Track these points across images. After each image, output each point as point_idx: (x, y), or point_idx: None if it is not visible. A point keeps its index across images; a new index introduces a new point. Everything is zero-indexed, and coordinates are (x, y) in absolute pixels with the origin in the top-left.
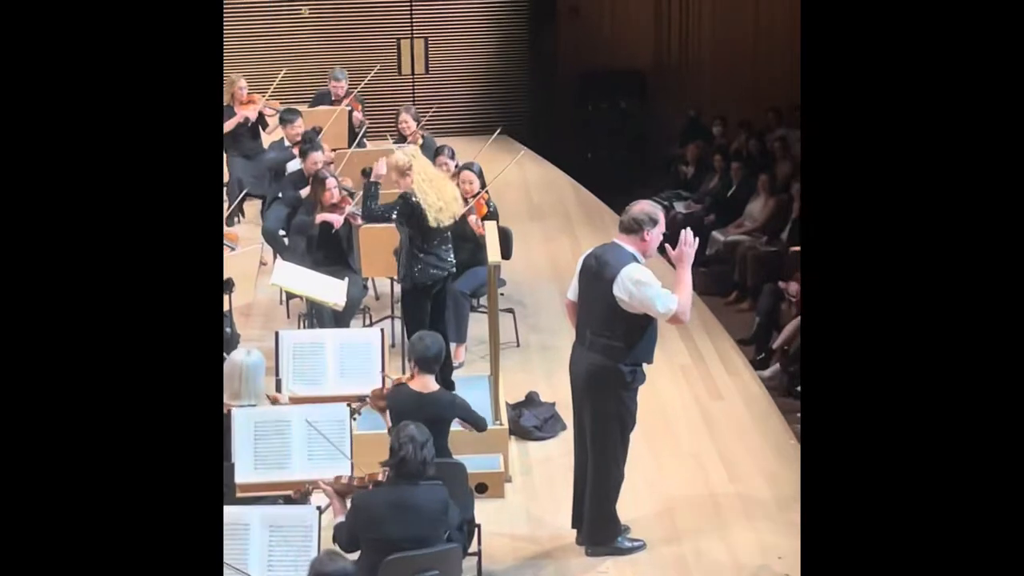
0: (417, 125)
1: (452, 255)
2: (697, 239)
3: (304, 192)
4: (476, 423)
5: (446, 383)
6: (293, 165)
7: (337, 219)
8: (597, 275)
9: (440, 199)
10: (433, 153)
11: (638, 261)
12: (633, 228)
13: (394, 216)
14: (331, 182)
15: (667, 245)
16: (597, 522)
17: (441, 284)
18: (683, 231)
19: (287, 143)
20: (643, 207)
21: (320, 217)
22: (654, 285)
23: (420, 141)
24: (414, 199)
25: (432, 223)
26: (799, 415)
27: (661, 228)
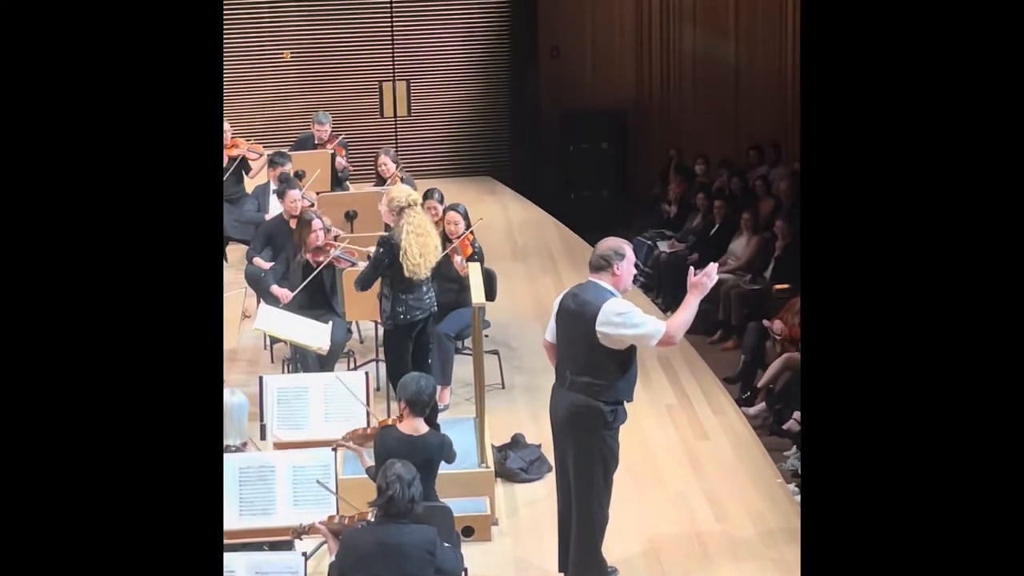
0: (396, 167)
1: (433, 295)
2: (715, 276)
3: (259, 262)
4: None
5: (431, 426)
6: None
7: (286, 294)
8: (576, 314)
9: (421, 254)
10: (422, 196)
11: (615, 295)
12: (603, 265)
13: (371, 255)
14: (316, 223)
15: (692, 269)
16: (583, 564)
17: (423, 325)
18: (712, 265)
19: (274, 186)
20: (609, 243)
21: (274, 290)
22: (638, 314)
23: (399, 182)
24: (395, 242)
25: (407, 274)
26: (785, 453)
27: (631, 259)
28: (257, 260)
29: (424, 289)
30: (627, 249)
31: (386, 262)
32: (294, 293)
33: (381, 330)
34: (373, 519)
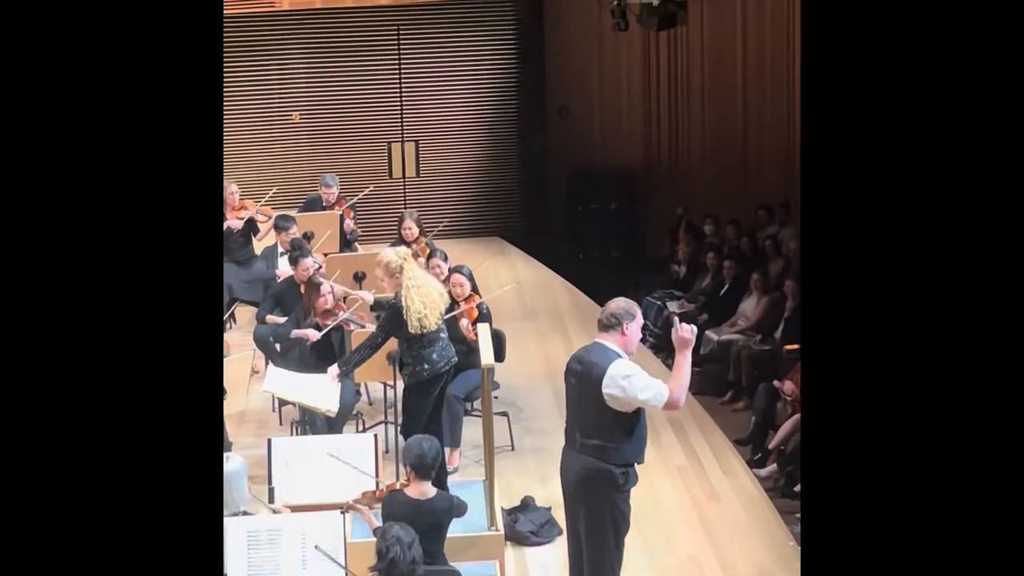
0: (420, 232)
1: (452, 348)
2: (694, 328)
3: (272, 319)
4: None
5: (441, 488)
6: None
7: (314, 334)
8: (584, 377)
9: (425, 305)
10: (426, 256)
11: (621, 357)
12: (612, 324)
13: (381, 327)
14: (325, 288)
15: (675, 324)
16: None
17: (444, 380)
18: (676, 319)
19: (281, 249)
20: (618, 303)
21: (296, 333)
22: (643, 377)
23: (427, 251)
24: (399, 306)
25: (412, 329)
26: (798, 516)
27: (639, 321)
28: (270, 317)
29: (441, 343)
30: (636, 310)
31: (380, 340)
32: (321, 333)
33: (391, 392)
34: None
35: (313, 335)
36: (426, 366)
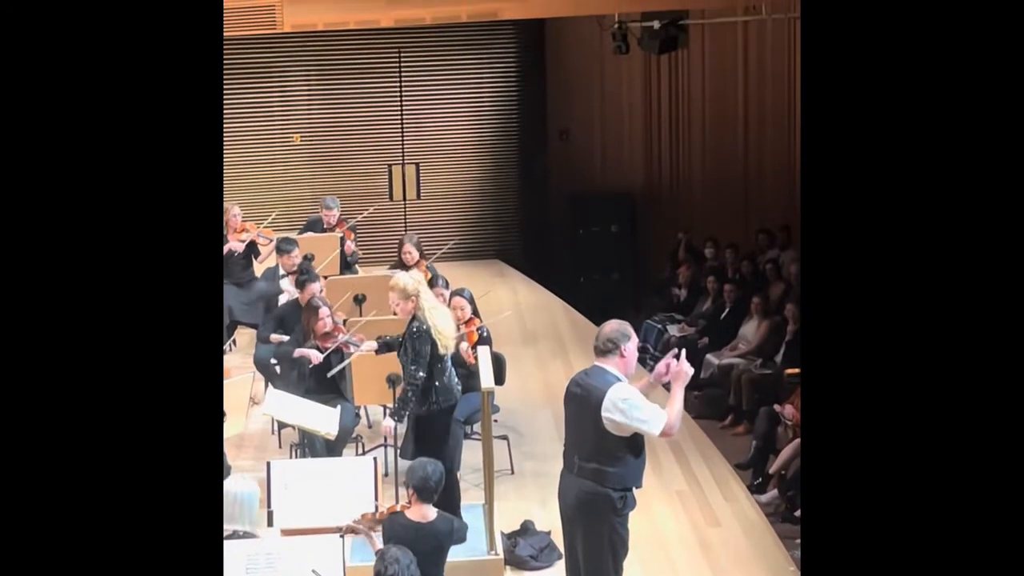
0: (420, 256)
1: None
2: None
3: (276, 337)
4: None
5: (452, 511)
6: (283, 298)
7: (316, 356)
8: (583, 401)
9: (444, 328)
10: (427, 281)
11: (620, 380)
12: (609, 348)
13: (403, 342)
14: (324, 311)
15: (665, 363)
16: None
17: (452, 410)
18: (682, 353)
19: (282, 272)
20: (612, 326)
21: (298, 352)
22: (642, 402)
23: (428, 275)
24: (425, 326)
25: (441, 350)
26: (798, 541)
27: (635, 340)
28: (274, 336)
29: (452, 372)
30: (630, 330)
31: (428, 350)
32: (324, 355)
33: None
34: None
35: (316, 357)
36: (448, 394)
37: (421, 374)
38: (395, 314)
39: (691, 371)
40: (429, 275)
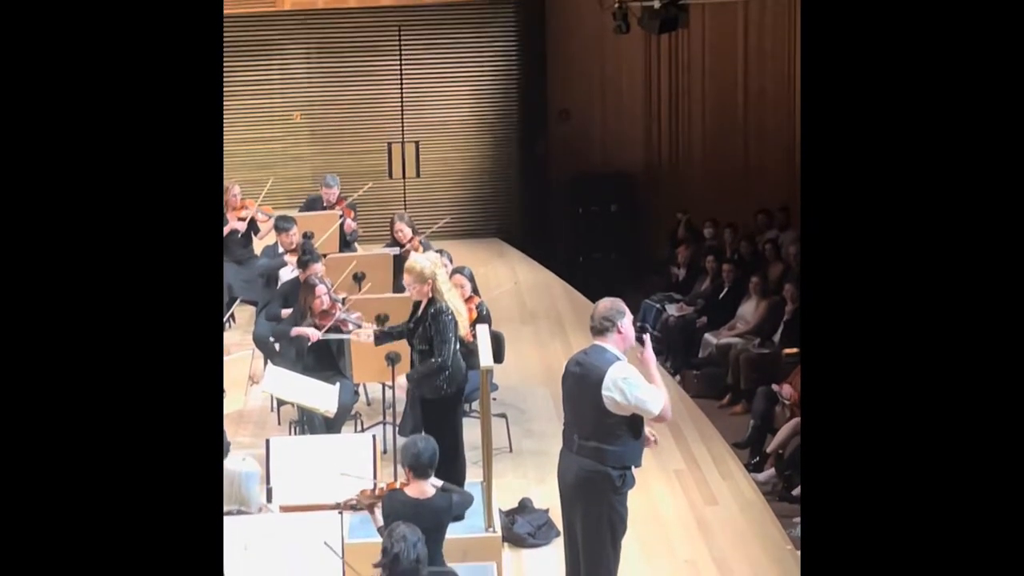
0: (413, 232)
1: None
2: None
3: (286, 312)
4: (469, 503)
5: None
6: (285, 272)
7: (315, 334)
8: (582, 379)
9: (461, 310)
10: None
11: (620, 359)
12: (606, 327)
13: (417, 326)
14: (321, 289)
15: (644, 345)
16: None
17: (461, 392)
18: (645, 338)
19: (281, 249)
20: (607, 304)
21: (295, 331)
22: (641, 382)
23: (420, 249)
24: (448, 309)
25: (461, 330)
26: (795, 520)
27: (630, 317)
28: (285, 311)
29: (459, 355)
30: (624, 306)
31: (451, 332)
32: (321, 333)
33: (389, 393)
34: None
35: (314, 335)
36: (456, 376)
37: (450, 351)
38: (411, 296)
39: (649, 351)
40: (422, 250)
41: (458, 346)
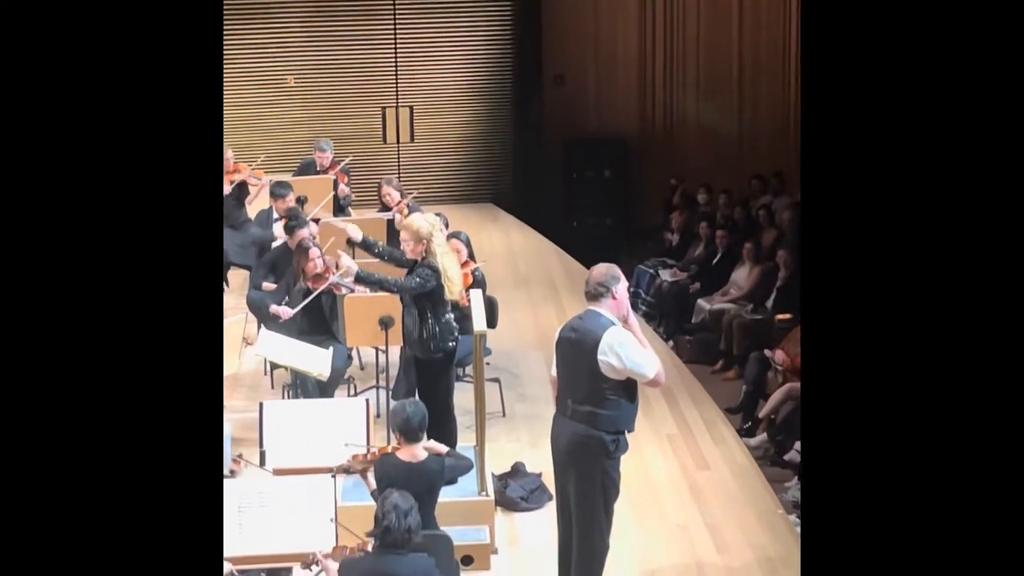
0: (400, 196)
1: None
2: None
3: (268, 286)
4: (466, 470)
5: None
6: (277, 242)
7: (286, 312)
8: (578, 344)
9: (453, 275)
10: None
11: (615, 324)
12: (601, 292)
13: (417, 283)
14: (314, 252)
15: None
16: None
17: (451, 355)
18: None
19: (276, 215)
20: (602, 270)
21: (273, 309)
22: (637, 346)
23: (406, 212)
24: (435, 267)
25: (448, 296)
26: (787, 484)
27: (625, 283)
28: (266, 284)
29: (452, 318)
30: (619, 272)
31: (432, 284)
32: (294, 311)
33: (383, 357)
34: (371, 550)
35: (285, 313)
36: (453, 337)
37: (412, 285)
38: (407, 254)
39: (634, 318)
40: (408, 212)
41: (448, 308)
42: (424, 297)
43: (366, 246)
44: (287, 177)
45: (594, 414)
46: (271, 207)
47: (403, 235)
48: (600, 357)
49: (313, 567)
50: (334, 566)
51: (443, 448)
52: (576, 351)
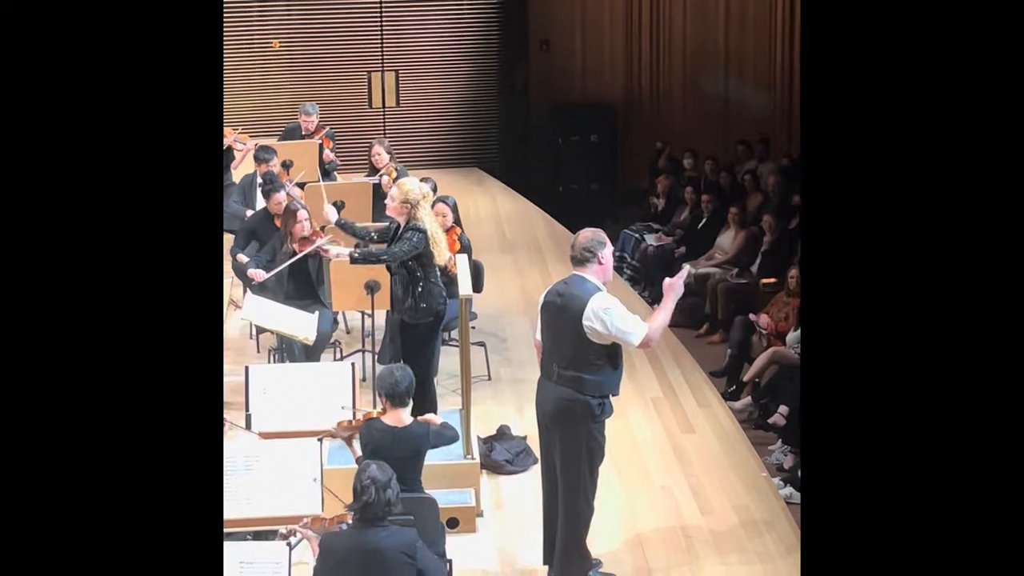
0: (390, 158)
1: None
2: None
3: (242, 258)
4: (450, 441)
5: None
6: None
7: (260, 275)
8: (563, 309)
9: (440, 240)
10: (392, 180)
11: (600, 289)
12: (587, 257)
13: (407, 247)
14: (302, 214)
15: (683, 274)
16: (568, 556)
17: (437, 320)
18: (684, 268)
19: (260, 180)
20: (588, 235)
21: (250, 273)
22: (623, 312)
23: (394, 174)
24: (424, 230)
25: (437, 261)
26: (770, 447)
27: (611, 248)
28: (240, 256)
29: (439, 282)
30: (605, 237)
31: (421, 247)
32: (269, 274)
33: (368, 321)
34: (352, 523)
35: (259, 276)
36: (443, 300)
37: (404, 251)
38: (391, 213)
39: (682, 290)
40: (395, 175)
41: (436, 273)
42: (413, 261)
43: (343, 227)
44: (272, 142)
45: (579, 379)
46: (255, 172)
47: (391, 194)
48: (585, 323)
49: (292, 539)
50: (315, 537)
51: (438, 419)
52: (561, 316)
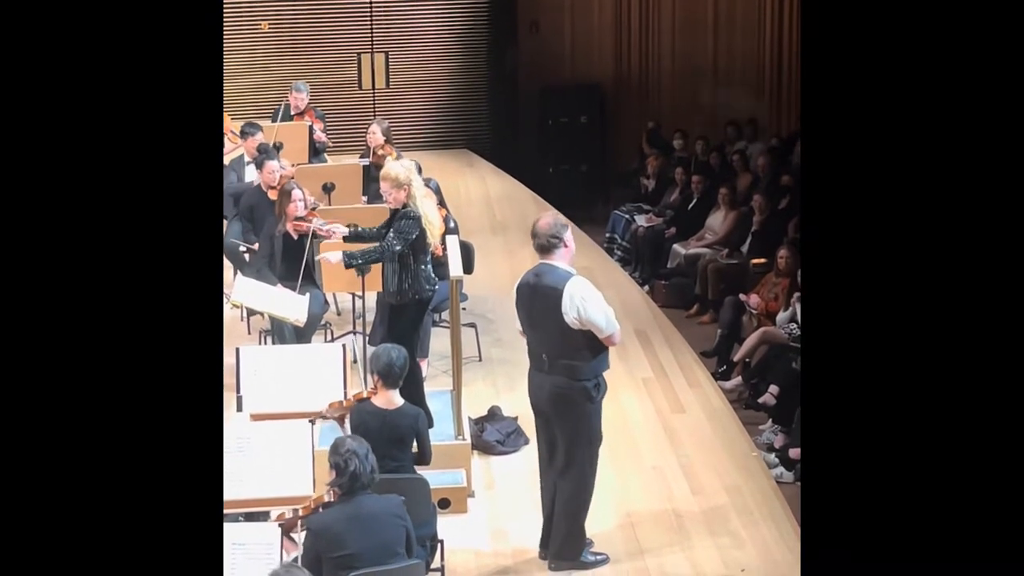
0: (386, 140)
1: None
2: None
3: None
4: (424, 454)
5: (418, 402)
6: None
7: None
8: (541, 298)
9: (433, 219)
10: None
11: (572, 274)
12: (554, 244)
13: (401, 240)
14: (297, 194)
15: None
16: (568, 539)
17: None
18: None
19: (247, 159)
20: (548, 220)
21: (245, 245)
22: (597, 304)
23: (394, 155)
24: (416, 214)
25: (429, 240)
26: (761, 427)
27: (571, 226)
28: (233, 241)
29: (430, 264)
30: (564, 218)
31: (415, 235)
32: (258, 249)
33: (359, 303)
34: (333, 499)
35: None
36: (433, 282)
37: (398, 247)
38: (388, 203)
39: None
40: (395, 155)
41: (428, 255)
42: (393, 231)
43: (359, 238)
44: (265, 123)
45: (572, 366)
46: (243, 154)
47: (383, 184)
48: (564, 312)
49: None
50: (284, 535)
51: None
52: (540, 306)
